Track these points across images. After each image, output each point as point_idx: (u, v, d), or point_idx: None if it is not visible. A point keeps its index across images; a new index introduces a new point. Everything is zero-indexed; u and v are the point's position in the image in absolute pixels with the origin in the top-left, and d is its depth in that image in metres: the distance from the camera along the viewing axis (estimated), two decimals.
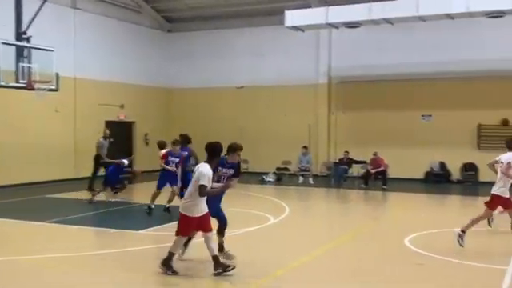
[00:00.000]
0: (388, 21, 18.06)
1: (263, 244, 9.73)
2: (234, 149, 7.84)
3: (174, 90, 25.09)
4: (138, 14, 23.87)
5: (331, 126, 22.58)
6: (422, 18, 17.59)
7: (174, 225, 7.69)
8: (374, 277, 7.51)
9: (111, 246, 9.43)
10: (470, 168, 20.18)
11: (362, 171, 19.85)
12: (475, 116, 19.99)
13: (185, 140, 12.26)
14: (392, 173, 19.55)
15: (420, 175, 20.79)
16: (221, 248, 8.00)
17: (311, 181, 20.36)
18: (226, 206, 8.44)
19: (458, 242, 8.98)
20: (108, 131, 17.57)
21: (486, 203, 9.30)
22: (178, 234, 7.33)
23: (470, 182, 19.82)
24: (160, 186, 12.59)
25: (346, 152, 20.69)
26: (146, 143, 23.69)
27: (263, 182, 20.50)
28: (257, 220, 11.68)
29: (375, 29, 19.49)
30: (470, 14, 16.96)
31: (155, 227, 10.95)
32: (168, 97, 25.07)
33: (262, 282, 7.14)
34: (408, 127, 21.02)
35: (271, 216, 12.39)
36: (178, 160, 11.96)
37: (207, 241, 7.29)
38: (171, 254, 7.34)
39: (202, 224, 7.23)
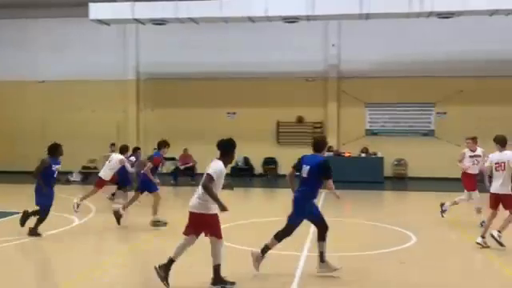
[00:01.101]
0: (193, 20, 18.49)
1: (75, 247, 9.35)
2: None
3: None
4: None
5: (140, 123, 22.40)
6: (224, 20, 18.34)
7: None
8: (175, 272, 7.67)
9: None
10: (270, 162, 21.67)
11: (172, 167, 20.07)
12: (274, 114, 21.51)
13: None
14: (201, 168, 20.07)
15: (227, 170, 21.62)
16: (322, 257, 7.32)
17: None
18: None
19: (500, 243, 8.88)
20: None
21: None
22: (219, 236, 6.69)
23: (270, 175, 21.29)
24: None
25: (155, 149, 20.67)
26: None
27: (68, 181, 19.54)
28: (61, 223, 11.08)
29: (182, 27, 19.80)
30: (269, 18, 18.17)
31: None
32: None
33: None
34: (215, 124, 21.74)
35: (76, 218, 11.92)
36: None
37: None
38: (218, 266, 6.68)
39: (215, 224, 6.78)
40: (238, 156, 21.80)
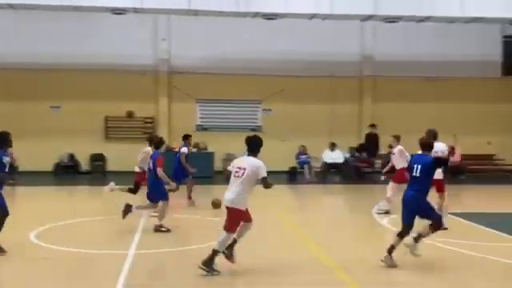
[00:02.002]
0: (12, 6, 17.11)
1: None
2: None
3: None
4: None
5: None
6: (45, 8, 17.28)
7: None
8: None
9: None
10: (98, 158, 20.87)
11: None
12: (103, 108, 20.76)
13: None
14: (21, 166, 18.64)
15: (49, 167, 20.42)
16: (417, 239, 7.77)
17: None
18: None
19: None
20: None
21: None
22: (228, 229, 7.20)
23: (98, 172, 20.48)
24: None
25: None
26: None
27: None
28: None
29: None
30: (95, 9, 17.47)
31: None
32: None
33: None
34: (36, 118, 20.37)
35: None
36: None
37: (245, 228, 7.34)
38: (216, 253, 7.13)
39: (248, 215, 7.35)
40: (62, 153, 20.67)
